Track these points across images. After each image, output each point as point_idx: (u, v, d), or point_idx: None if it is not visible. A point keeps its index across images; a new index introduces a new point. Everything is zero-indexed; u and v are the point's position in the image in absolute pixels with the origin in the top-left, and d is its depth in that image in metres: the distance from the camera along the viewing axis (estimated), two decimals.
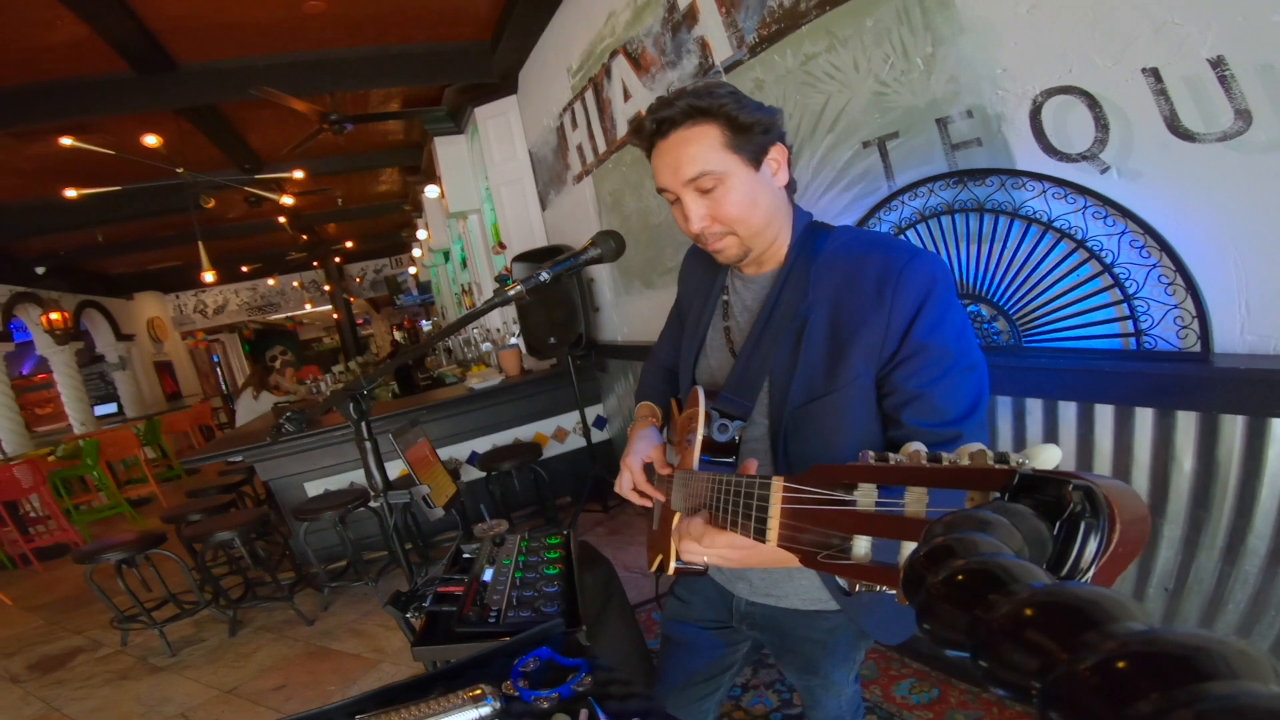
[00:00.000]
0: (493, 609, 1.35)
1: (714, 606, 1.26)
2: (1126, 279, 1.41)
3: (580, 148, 3.84)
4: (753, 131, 0.94)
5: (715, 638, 1.27)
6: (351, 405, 1.21)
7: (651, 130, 0.98)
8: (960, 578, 0.26)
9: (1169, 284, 1.36)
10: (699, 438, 1.00)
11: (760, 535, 0.64)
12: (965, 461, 0.39)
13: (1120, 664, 0.20)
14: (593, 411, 4.55)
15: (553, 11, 3.73)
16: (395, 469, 2.28)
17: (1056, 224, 1.47)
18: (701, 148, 0.94)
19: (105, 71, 3.94)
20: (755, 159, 0.96)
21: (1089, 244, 1.44)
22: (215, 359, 15.16)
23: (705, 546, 0.85)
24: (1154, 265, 1.37)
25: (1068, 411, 1.57)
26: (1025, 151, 1.50)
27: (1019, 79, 1.47)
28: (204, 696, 2.93)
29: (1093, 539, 0.30)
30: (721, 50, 2.37)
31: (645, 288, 3.56)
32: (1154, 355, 1.39)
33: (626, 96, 3.13)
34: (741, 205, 0.96)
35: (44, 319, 8.20)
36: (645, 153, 1.02)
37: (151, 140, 4.96)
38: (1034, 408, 1.64)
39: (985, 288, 1.67)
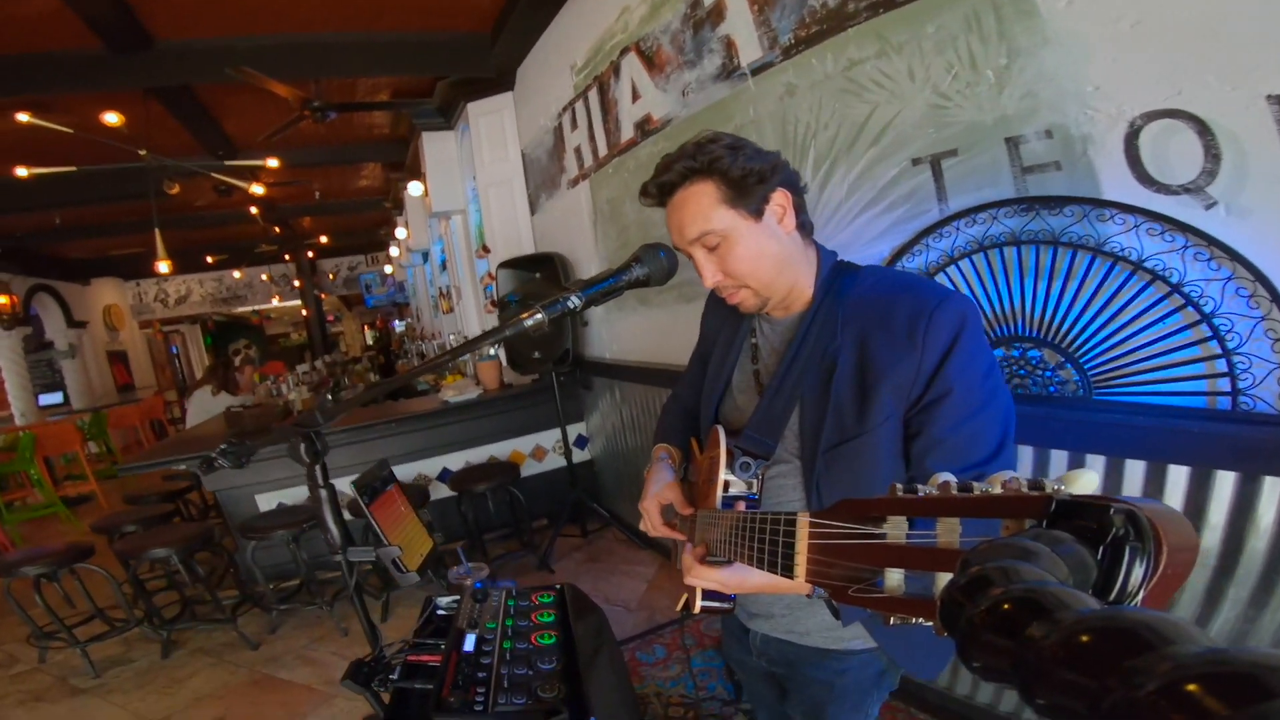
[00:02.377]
0: (479, 691, 1.10)
1: (740, 643, 1.25)
2: (1227, 331, 1.24)
3: (579, 150, 3.62)
4: (748, 183, 0.94)
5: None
6: (304, 445, 0.96)
7: (655, 194, 1.01)
8: (1007, 605, 0.26)
9: (1275, 340, 1.19)
10: (720, 477, 0.99)
11: (788, 572, 0.62)
12: (998, 490, 0.38)
13: (1185, 686, 0.19)
14: (574, 430, 4.32)
15: (560, 5, 3.52)
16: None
17: (1148, 264, 1.30)
18: (700, 207, 0.96)
19: (75, 47, 3.62)
20: (757, 211, 0.96)
21: (1186, 289, 1.26)
22: (174, 350, 14.50)
23: (696, 578, 0.92)
24: (1260, 318, 1.20)
25: (1134, 470, 1.40)
26: (1115, 179, 1.31)
27: (1114, 99, 1.28)
28: None
29: (1139, 563, 0.29)
30: (750, 51, 2.17)
31: (640, 304, 3.33)
32: (1250, 418, 1.23)
33: (635, 97, 2.92)
34: (748, 260, 0.97)
35: None
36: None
37: (112, 118, 4.58)
38: (1094, 462, 1.46)
39: (1050, 332, 1.49)
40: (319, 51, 4.14)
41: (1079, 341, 1.43)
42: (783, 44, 2.03)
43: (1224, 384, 1.26)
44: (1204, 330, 1.27)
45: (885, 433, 0.92)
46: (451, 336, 6.35)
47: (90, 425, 7.56)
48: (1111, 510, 0.30)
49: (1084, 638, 0.22)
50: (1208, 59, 1.15)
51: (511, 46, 4.07)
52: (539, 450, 4.30)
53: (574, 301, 0.92)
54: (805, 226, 1.03)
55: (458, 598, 1.45)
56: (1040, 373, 1.52)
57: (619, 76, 3.03)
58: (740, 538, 0.79)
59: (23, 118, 4.02)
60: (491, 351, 4.71)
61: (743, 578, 0.90)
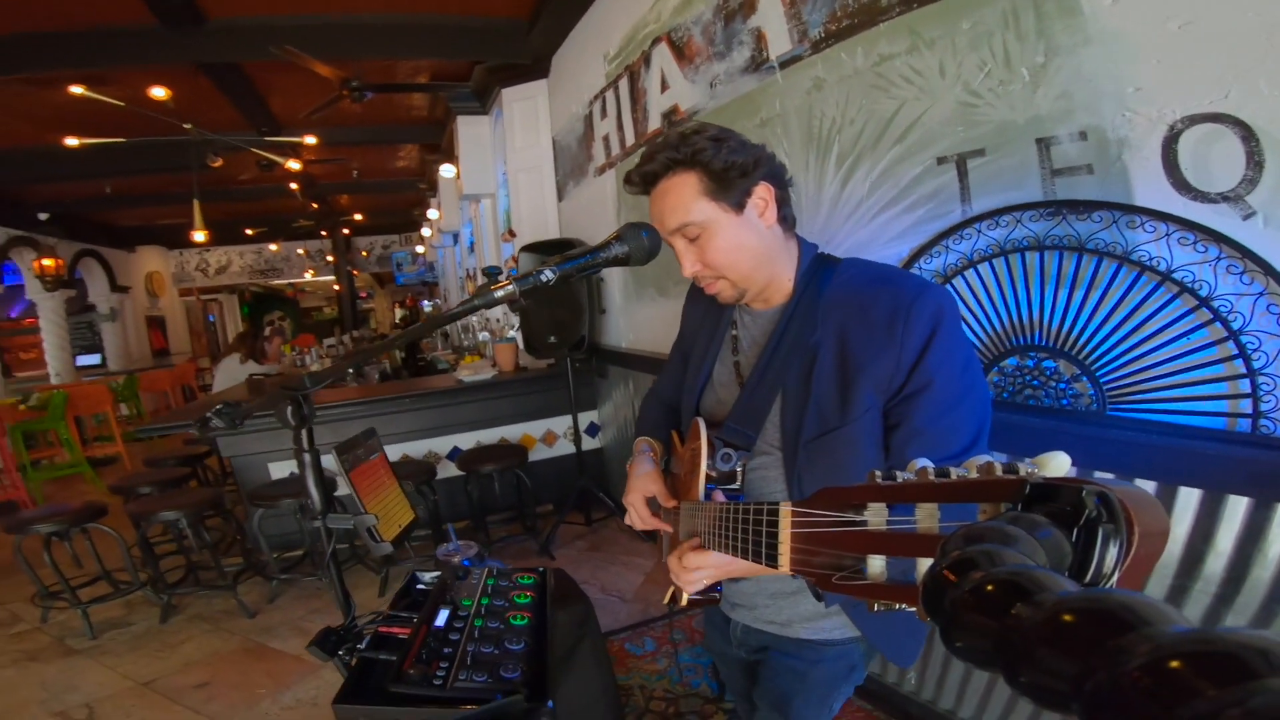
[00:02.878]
0: (440, 666, 1.08)
1: (721, 634, 1.26)
2: (1254, 350, 1.16)
3: (606, 139, 3.60)
4: (729, 176, 0.94)
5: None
6: (290, 409, 0.96)
7: (638, 183, 1.02)
8: (990, 587, 0.26)
9: None
10: (703, 469, 0.99)
11: (772, 561, 0.63)
12: (974, 474, 0.37)
13: (1169, 664, 0.19)
14: (586, 417, 4.31)
15: None
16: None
17: (1176, 275, 1.22)
18: (682, 198, 0.96)
19: (130, 21, 3.73)
20: (738, 204, 0.97)
21: (1215, 303, 1.19)
22: (211, 318, 14.86)
23: (689, 568, 0.93)
24: None
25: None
26: (1149, 186, 1.24)
27: (1155, 101, 1.21)
28: (115, 687, 2.64)
29: (1113, 545, 0.29)
30: (779, 44, 2.12)
31: (659, 295, 3.31)
32: (1270, 442, 1.16)
33: (664, 87, 2.89)
34: (727, 251, 0.98)
35: (36, 264, 7.99)
36: None
37: (159, 92, 4.74)
38: (1102, 480, 1.39)
39: (1067, 343, 1.42)
40: (360, 32, 4.20)
41: (1096, 354, 1.36)
42: (812, 37, 1.98)
43: (1246, 405, 1.19)
44: (1230, 348, 1.19)
45: (866, 424, 0.92)
46: (474, 319, 6.39)
47: (123, 387, 7.77)
48: (1084, 492, 0.30)
49: (1067, 617, 0.23)
50: (1261, 63, 1.08)
51: (548, 33, 4.06)
52: (550, 435, 4.30)
53: (547, 275, 0.91)
54: (787, 220, 1.04)
55: (440, 573, 1.44)
56: (1054, 384, 1.45)
57: (649, 66, 2.99)
58: (724, 529, 0.79)
59: (76, 90, 4.16)
60: (511, 333, 4.72)
61: (729, 566, 0.91)
